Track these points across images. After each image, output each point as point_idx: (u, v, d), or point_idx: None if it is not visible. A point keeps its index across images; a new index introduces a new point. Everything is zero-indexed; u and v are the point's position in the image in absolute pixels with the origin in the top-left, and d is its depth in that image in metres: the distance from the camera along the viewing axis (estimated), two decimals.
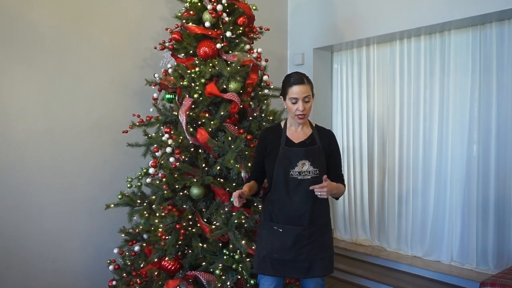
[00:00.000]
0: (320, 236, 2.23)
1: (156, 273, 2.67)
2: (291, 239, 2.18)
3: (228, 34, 2.87)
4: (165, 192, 2.68)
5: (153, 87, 3.09)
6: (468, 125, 3.55)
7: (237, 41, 3.02)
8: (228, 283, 2.55)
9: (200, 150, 2.82)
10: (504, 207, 3.36)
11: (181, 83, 2.84)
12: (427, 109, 3.83)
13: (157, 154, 2.79)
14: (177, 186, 2.70)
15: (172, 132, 2.81)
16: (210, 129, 2.74)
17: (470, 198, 3.53)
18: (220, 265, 2.58)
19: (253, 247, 2.54)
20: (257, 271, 2.28)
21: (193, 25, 2.92)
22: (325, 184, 2.05)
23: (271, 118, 2.99)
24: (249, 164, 2.64)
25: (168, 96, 2.98)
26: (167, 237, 2.64)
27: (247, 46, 3.02)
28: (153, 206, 2.79)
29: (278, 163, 2.21)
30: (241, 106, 2.82)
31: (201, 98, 2.78)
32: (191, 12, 2.95)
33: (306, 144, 2.24)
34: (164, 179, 2.70)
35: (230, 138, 2.71)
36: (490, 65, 3.42)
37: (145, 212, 2.82)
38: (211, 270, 2.60)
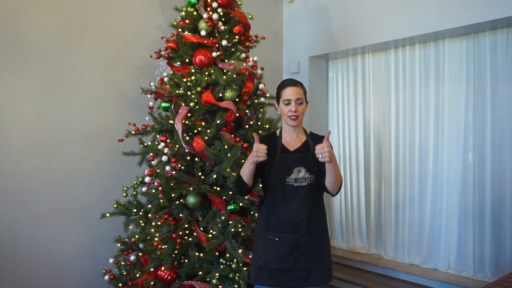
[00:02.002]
0: (317, 244, 2.21)
1: (152, 283, 2.64)
2: (287, 248, 2.16)
3: (224, 42, 2.88)
4: (161, 201, 2.66)
5: (148, 96, 3.09)
6: (463, 132, 3.56)
7: (233, 49, 3.04)
8: None
9: (196, 159, 2.81)
10: (500, 214, 3.37)
11: (177, 91, 2.84)
12: (423, 116, 3.85)
13: (153, 162, 2.78)
14: (173, 195, 2.68)
15: (168, 140, 2.80)
16: (206, 138, 2.73)
17: (467, 205, 3.53)
18: (217, 274, 2.56)
19: (250, 256, 2.52)
20: (254, 281, 2.26)
21: (189, 33, 2.93)
22: (325, 144, 1.98)
23: (267, 126, 2.99)
24: None
25: (164, 104, 2.98)
26: (163, 247, 2.62)
27: (243, 55, 3.04)
28: (149, 215, 2.77)
29: (274, 171, 2.20)
30: (237, 114, 2.82)
31: (197, 107, 2.78)
32: (187, 21, 2.96)
33: (301, 151, 2.24)
34: (160, 188, 2.68)
35: (226, 147, 2.71)
36: (484, 73, 3.44)
37: (141, 221, 2.80)
38: (208, 279, 2.58)
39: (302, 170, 2.18)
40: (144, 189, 2.80)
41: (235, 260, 2.58)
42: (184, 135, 2.74)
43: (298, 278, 2.18)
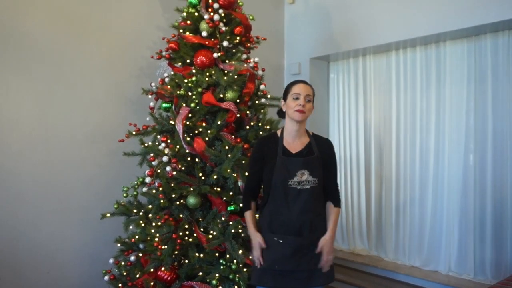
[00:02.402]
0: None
1: (152, 283, 2.64)
2: (291, 250, 2.16)
3: (225, 43, 2.88)
4: (162, 201, 2.66)
5: (149, 96, 3.10)
6: (464, 134, 3.56)
7: (234, 50, 3.04)
8: None
9: (197, 159, 2.81)
10: (501, 216, 3.36)
11: (178, 92, 2.84)
12: (424, 118, 3.84)
13: (153, 163, 2.78)
14: (173, 196, 2.68)
15: (168, 141, 2.80)
16: (207, 138, 2.73)
17: (467, 207, 3.52)
18: (217, 275, 2.55)
19: (250, 257, 2.52)
20: (257, 283, 2.26)
21: (190, 34, 2.93)
22: (327, 251, 2.19)
23: (268, 127, 2.99)
24: (246, 174, 2.63)
25: (164, 105, 2.98)
26: (163, 247, 2.61)
27: (244, 56, 3.04)
28: (149, 215, 2.77)
29: (276, 173, 2.20)
30: (238, 115, 2.82)
31: (198, 107, 2.78)
32: (188, 22, 2.96)
33: (304, 154, 2.24)
34: (160, 188, 2.68)
35: (227, 147, 2.71)
36: (485, 76, 3.44)
37: (141, 222, 2.80)
38: (208, 280, 2.58)
39: (305, 173, 2.19)
40: (144, 189, 2.80)
41: (235, 261, 2.58)
42: (185, 135, 2.74)
43: (301, 279, 2.19)
